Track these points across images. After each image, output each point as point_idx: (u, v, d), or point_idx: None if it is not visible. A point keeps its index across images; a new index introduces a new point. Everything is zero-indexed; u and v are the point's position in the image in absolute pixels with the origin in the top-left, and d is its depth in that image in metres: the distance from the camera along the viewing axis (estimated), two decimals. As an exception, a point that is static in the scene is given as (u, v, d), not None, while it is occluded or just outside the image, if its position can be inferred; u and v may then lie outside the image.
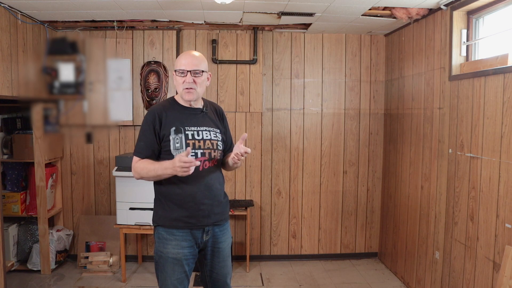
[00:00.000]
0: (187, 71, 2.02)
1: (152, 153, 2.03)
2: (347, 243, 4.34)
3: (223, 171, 2.25)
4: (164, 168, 1.93)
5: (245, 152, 1.98)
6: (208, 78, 2.12)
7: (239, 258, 4.17)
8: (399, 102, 3.87)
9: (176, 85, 2.08)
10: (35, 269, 3.82)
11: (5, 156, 3.89)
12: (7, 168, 3.91)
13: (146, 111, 3.86)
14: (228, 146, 2.25)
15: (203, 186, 2.03)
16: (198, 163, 1.93)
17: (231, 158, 2.03)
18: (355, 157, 4.28)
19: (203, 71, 2.06)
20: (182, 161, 1.83)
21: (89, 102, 3.76)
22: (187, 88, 2.03)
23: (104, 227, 4.04)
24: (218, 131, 2.14)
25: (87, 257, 3.90)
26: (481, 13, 2.83)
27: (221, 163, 2.18)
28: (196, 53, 2.10)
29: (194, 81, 2.03)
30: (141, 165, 2.01)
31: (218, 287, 2.18)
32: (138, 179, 2.07)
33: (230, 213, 3.73)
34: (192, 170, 1.86)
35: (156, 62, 3.96)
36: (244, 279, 3.81)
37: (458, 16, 2.92)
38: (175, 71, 2.06)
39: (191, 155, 2.01)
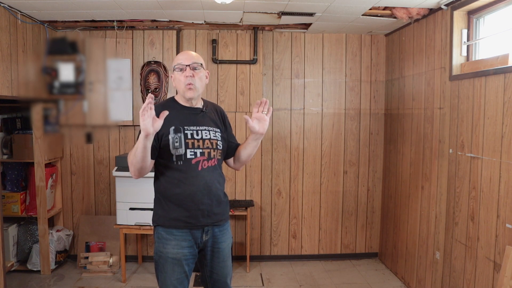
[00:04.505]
0: (186, 65, 2.03)
1: (151, 152, 2.01)
2: (347, 243, 4.33)
3: (224, 171, 2.25)
4: (138, 139, 1.86)
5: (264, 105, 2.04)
6: (206, 77, 2.13)
7: (239, 258, 4.17)
8: (399, 102, 3.86)
9: (177, 83, 2.07)
10: (35, 269, 3.82)
11: (5, 156, 3.89)
12: (7, 168, 3.91)
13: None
14: (233, 146, 2.24)
15: (202, 186, 2.02)
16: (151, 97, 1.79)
17: (255, 115, 2.05)
18: (355, 157, 4.28)
19: (201, 64, 2.08)
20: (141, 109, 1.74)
21: (89, 102, 3.76)
22: (188, 85, 2.02)
23: (104, 227, 4.04)
24: (218, 130, 2.13)
25: (87, 258, 3.90)
26: (482, 13, 2.82)
27: (221, 163, 2.18)
28: (193, 52, 2.12)
29: (193, 75, 2.03)
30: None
31: (218, 288, 2.18)
32: (134, 174, 1.97)
33: (230, 213, 3.73)
34: (148, 114, 1.74)
35: (156, 62, 3.96)
36: (244, 279, 3.81)
37: (459, 16, 2.91)
38: (174, 68, 2.06)
39: (191, 154, 2.01)
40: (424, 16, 3.30)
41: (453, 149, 2.94)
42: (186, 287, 2.07)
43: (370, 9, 3.29)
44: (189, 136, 2.03)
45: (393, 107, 4.02)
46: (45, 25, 3.69)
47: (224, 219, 2.15)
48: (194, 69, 2.04)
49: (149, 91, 3.93)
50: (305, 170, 4.24)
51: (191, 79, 2.02)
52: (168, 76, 3.96)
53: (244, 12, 3.45)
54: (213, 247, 2.11)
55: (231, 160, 2.28)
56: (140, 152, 1.85)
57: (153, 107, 1.76)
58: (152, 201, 2.15)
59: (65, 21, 3.73)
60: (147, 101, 1.76)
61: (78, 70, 3.66)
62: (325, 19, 3.60)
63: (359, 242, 4.34)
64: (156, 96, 3.94)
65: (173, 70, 2.08)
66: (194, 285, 3.61)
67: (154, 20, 3.80)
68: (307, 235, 4.29)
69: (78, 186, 4.13)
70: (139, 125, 1.81)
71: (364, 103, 4.25)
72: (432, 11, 3.18)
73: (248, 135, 2.15)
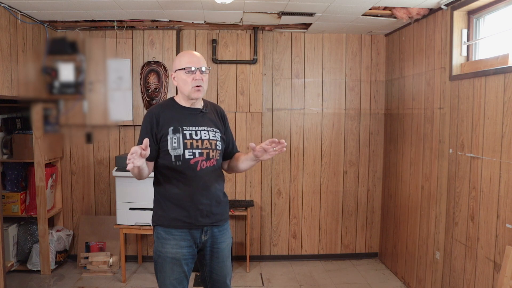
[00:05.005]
0: (197, 68, 2.04)
1: (149, 154, 2.02)
2: (347, 243, 4.33)
3: (224, 171, 2.25)
4: None
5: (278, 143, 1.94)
6: None
7: (239, 258, 4.17)
8: (399, 102, 3.86)
9: (182, 84, 2.05)
10: (35, 269, 3.82)
11: (5, 156, 3.89)
12: (7, 168, 3.91)
13: (146, 111, 3.86)
14: (229, 147, 2.24)
15: (201, 186, 2.02)
16: (143, 153, 1.77)
17: (257, 150, 1.98)
18: (355, 157, 4.28)
19: (209, 68, 2.10)
20: (131, 152, 1.74)
21: (89, 102, 3.75)
22: (197, 86, 2.03)
23: (104, 227, 4.04)
24: (218, 131, 2.13)
25: (87, 258, 3.90)
26: (482, 13, 2.82)
27: (221, 163, 2.18)
28: (197, 53, 2.12)
29: (202, 79, 2.05)
30: None
31: (218, 288, 2.18)
32: (135, 178, 2.06)
33: (230, 213, 3.73)
34: (134, 164, 1.73)
35: (156, 62, 3.96)
36: (244, 279, 3.81)
37: (459, 16, 2.91)
38: (184, 69, 2.03)
39: (189, 155, 2.00)
40: (424, 16, 3.30)
41: (453, 149, 2.94)
42: (185, 287, 2.07)
43: (370, 9, 3.29)
44: (188, 137, 2.03)
45: (393, 107, 4.02)
46: (45, 25, 3.69)
47: (224, 219, 2.15)
48: (203, 73, 2.05)
49: (149, 91, 3.93)
50: (305, 170, 4.24)
51: (200, 81, 2.04)
52: (168, 76, 3.96)
53: (244, 12, 3.45)
54: (212, 247, 2.11)
55: (225, 163, 2.28)
56: (135, 172, 1.94)
57: (142, 152, 1.76)
58: (152, 201, 2.15)
59: (65, 21, 3.73)
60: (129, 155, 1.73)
61: (78, 70, 3.66)
62: (325, 19, 3.60)
63: (359, 242, 4.34)
64: (156, 96, 3.94)
65: (176, 70, 2.07)
66: (194, 285, 3.61)
67: (154, 20, 3.80)
68: (307, 235, 4.29)
69: (78, 186, 4.13)
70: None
71: (364, 103, 4.25)
72: (432, 11, 3.18)
73: (247, 148, 2.13)
